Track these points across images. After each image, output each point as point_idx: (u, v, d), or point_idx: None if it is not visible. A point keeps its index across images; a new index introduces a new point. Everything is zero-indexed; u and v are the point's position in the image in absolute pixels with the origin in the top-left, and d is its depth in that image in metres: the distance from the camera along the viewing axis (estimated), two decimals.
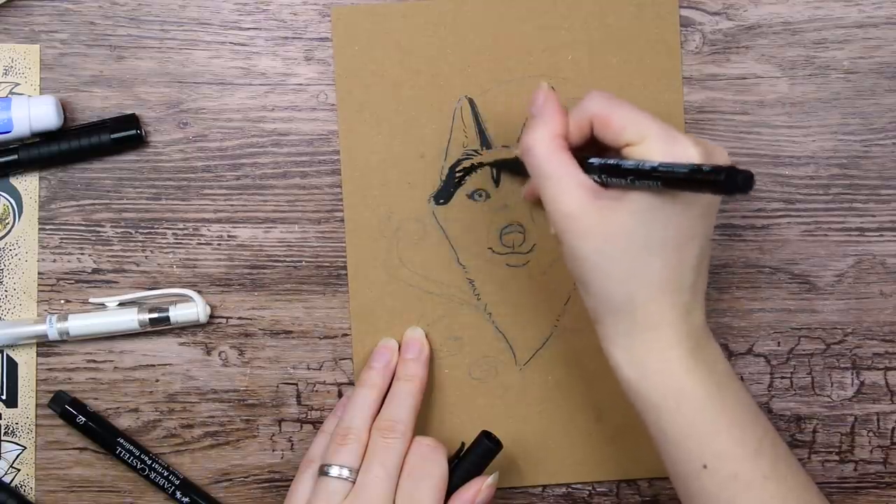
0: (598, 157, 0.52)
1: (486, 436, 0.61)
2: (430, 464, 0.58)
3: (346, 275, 0.65)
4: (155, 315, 0.64)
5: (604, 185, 0.52)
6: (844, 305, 0.66)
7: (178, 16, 0.65)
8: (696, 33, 0.65)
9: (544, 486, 0.66)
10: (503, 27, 0.65)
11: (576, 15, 0.65)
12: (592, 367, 0.65)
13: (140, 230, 0.65)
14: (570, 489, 0.66)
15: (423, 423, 0.64)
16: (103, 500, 0.65)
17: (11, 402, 0.65)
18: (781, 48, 0.65)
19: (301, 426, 0.65)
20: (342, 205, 0.65)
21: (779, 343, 0.66)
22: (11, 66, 0.65)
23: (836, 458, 0.66)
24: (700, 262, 0.52)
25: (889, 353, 0.66)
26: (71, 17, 0.65)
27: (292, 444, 0.65)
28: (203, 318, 0.64)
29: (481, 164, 0.65)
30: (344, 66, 0.65)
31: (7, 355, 0.65)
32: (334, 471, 0.58)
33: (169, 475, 0.64)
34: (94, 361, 0.65)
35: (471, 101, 0.65)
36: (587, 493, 0.66)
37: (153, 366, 0.65)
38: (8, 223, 0.65)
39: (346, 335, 0.65)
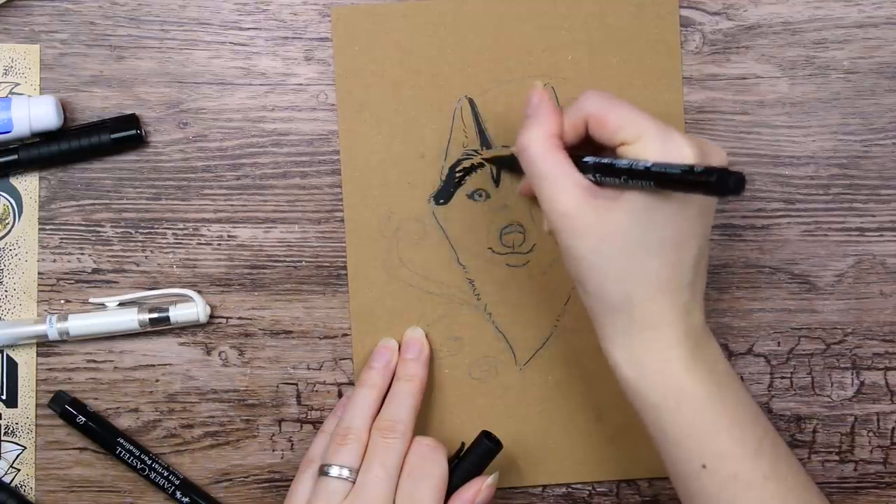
0: (592, 156, 0.52)
1: (486, 436, 0.61)
2: (430, 464, 0.58)
3: (346, 275, 0.65)
4: (155, 315, 0.64)
5: (599, 184, 0.52)
6: (844, 305, 0.66)
7: (178, 16, 0.65)
8: (696, 33, 0.65)
9: (544, 486, 0.66)
10: (503, 27, 0.65)
11: (576, 15, 0.65)
12: (592, 367, 0.65)
13: (140, 230, 0.65)
14: (570, 489, 0.66)
15: (423, 423, 0.64)
16: (103, 500, 0.65)
17: (11, 402, 0.65)
18: (781, 48, 0.65)
19: (301, 426, 0.65)
20: (342, 205, 0.65)
21: (779, 343, 0.66)
22: (11, 66, 0.65)
23: (836, 458, 0.66)
24: (698, 261, 0.52)
25: (889, 353, 0.66)
26: (71, 17, 0.65)
27: (292, 444, 0.65)
28: (203, 318, 0.64)
29: (481, 164, 0.65)
30: (344, 66, 0.65)
31: (7, 355, 0.65)
32: (334, 471, 0.58)
33: (169, 475, 0.64)
34: (94, 361, 0.65)
35: (471, 101, 0.65)
36: (587, 493, 0.66)
37: (153, 366, 0.65)
38: (8, 223, 0.65)
39: (346, 335, 0.65)
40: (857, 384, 0.66)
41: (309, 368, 0.65)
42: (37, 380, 0.65)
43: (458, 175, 0.65)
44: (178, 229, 0.65)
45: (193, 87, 0.65)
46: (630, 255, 0.51)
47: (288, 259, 0.65)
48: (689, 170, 0.47)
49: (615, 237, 0.50)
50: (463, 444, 0.61)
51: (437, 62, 0.65)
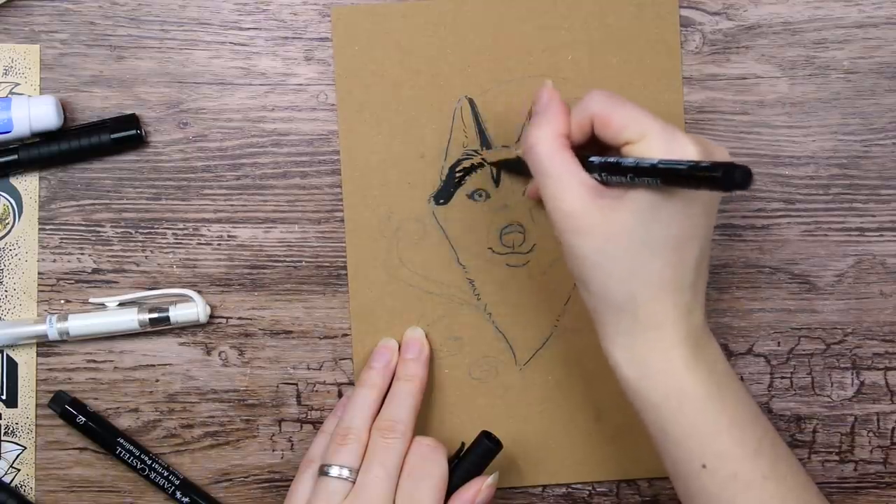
0: (598, 156, 0.52)
1: (486, 436, 0.61)
2: (430, 464, 0.58)
3: (346, 275, 0.65)
4: (155, 315, 0.64)
5: (605, 183, 0.52)
6: (844, 305, 0.66)
7: (178, 16, 0.65)
8: (696, 33, 0.65)
9: (544, 486, 0.66)
10: (503, 27, 0.65)
11: (576, 15, 0.65)
12: (592, 367, 0.65)
13: (140, 230, 0.65)
14: (570, 489, 0.66)
15: (423, 423, 0.64)
16: (103, 500, 0.65)
17: (11, 402, 0.65)
18: (781, 48, 0.65)
19: (301, 426, 0.65)
20: (342, 205, 0.65)
21: (779, 343, 0.66)
22: (11, 66, 0.65)
23: (836, 458, 0.66)
24: (700, 261, 0.52)
25: (889, 353, 0.66)
26: (71, 17, 0.65)
27: (292, 444, 0.65)
28: (203, 318, 0.64)
29: (481, 164, 0.65)
30: (344, 66, 0.65)
31: (7, 355, 0.65)
32: (334, 471, 0.58)
33: (169, 475, 0.64)
34: (94, 361, 0.65)
35: (471, 101, 0.65)
36: (587, 493, 0.66)
37: (153, 366, 0.65)
38: (8, 223, 0.65)
39: (346, 335, 0.65)
40: (857, 384, 0.66)
41: (309, 368, 0.65)
42: (37, 380, 0.65)
43: (458, 175, 0.65)
44: (178, 229, 0.65)
45: (193, 87, 0.65)
46: (634, 255, 0.51)
47: (288, 259, 0.65)
48: (695, 165, 0.47)
49: (620, 237, 0.51)
50: (463, 444, 0.61)
51: (437, 62, 0.65)
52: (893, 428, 0.66)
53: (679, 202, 0.50)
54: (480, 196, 0.65)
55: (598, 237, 0.51)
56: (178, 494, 0.64)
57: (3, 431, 0.65)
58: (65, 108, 0.64)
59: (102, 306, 0.64)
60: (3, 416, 0.65)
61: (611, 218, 0.51)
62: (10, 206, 0.65)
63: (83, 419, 0.63)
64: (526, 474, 0.65)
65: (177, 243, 0.65)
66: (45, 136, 0.64)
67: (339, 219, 0.65)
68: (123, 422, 0.65)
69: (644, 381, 0.53)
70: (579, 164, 0.53)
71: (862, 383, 0.66)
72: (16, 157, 0.63)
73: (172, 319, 0.64)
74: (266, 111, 0.65)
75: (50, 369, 0.65)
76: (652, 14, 0.64)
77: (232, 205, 0.65)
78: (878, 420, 0.66)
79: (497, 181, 0.65)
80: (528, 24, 0.65)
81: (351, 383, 0.65)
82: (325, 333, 0.65)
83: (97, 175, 0.65)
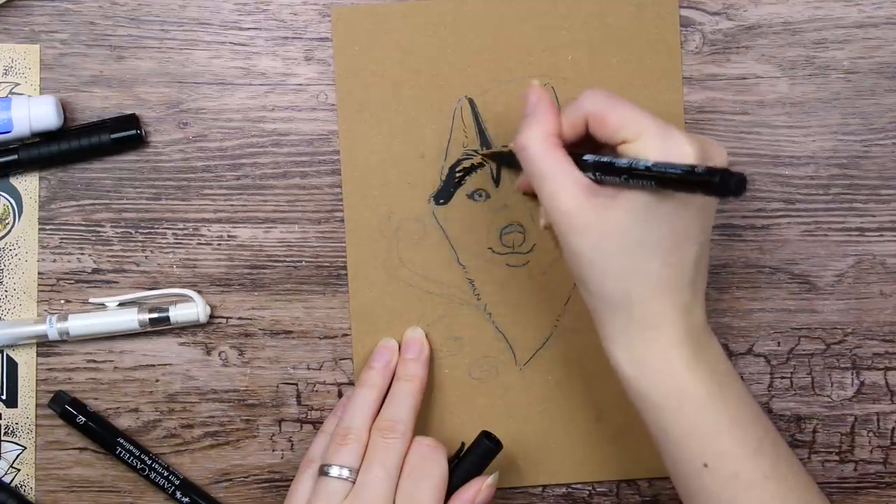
0: (592, 155, 0.52)
1: (486, 436, 0.61)
2: (430, 464, 0.58)
3: (346, 275, 0.65)
4: (155, 315, 0.64)
5: (599, 182, 0.52)
6: (844, 305, 0.66)
7: (178, 16, 0.65)
8: (696, 33, 0.65)
9: (544, 486, 0.66)
10: (503, 27, 0.65)
11: (576, 15, 0.65)
12: (592, 367, 0.65)
13: (140, 230, 0.65)
14: (570, 489, 0.66)
15: (423, 423, 0.64)
16: (103, 500, 0.65)
17: (11, 402, 0.65)
18: (781, 48, 0.65)
19: (301, 426, 0.65)
20: (342, 205, 0.65)
21: (779, 343, 0.66)
22: (11, 66, 0.65)
23: (836, 458, 0.66)
24: (699, 260, 0.52)
25: (889, 353, 0.66)
26: (71, 17, 0.65)
27: (292, 444, 0.65)
28: (203, 318, 0.64)
29: (481, 164, 0.65)
30: (344, 66, 0.65)
31: (7, 355, 0.65)
32: (334, 471, 0.58)
33: (169, 475, 0.64)
34: (94, 361, 0.65)
35: (471, 101, 0.65)
36: (587, 493, 0.66)
37: (153, 366, 0.65)
38: (8, 223, 0.65)
39: (346, 335, 0.65)
40: (857, 384, 0.66)
41: (309, 368, 0.65)
42: (37, 380, 0.65)
43: (458, 175, 0.65)
44: (178, 229, 0.65)
45: (193, 87, 0.65)
46: (630, 254, 0.51)
47: (288, 259, 0.65)
48: (689, 170, 0.46)
49: (615, 235, 0.50)
50: (463, 444, 0.61)
51: (437, 62, 0.65)
52: (893, 428, 0.66)
53: (674, 203, 0.50)
54: (480, 196, 0.65)
55: (593, 235, 0.51)
56: (178, 494, 0.64)
57: (3, 431, 0.65)
58: (65, 108, 0.64)
59: (102, 306, 0.64)
60: (3, 416, 0.65)
61: (605, 216, 0.51)
62: (10, 206, 0.65)
63: (83, 419, 0.63)
64: (526, 474, 0.65)
65: (177, 243, 0.65)
66: (45, 136, 0.64)
67: (339, 219, 0.65)
68: (123, 422, 0.65)
69: (644, 380, 0.53)
70: (572, 163, 0.52)
71: (862, 383, 0.66)
72: (16, 157, 0.63)
73: (172, 319, 0.64)
74: (266, 111, 0.65)
75: (50, 369, 0.65)
76: (652, 14, 0.64)
77: (232, 205, 0.65)
78: (878, 420, 0.66)
79: (497, 181, 0.65)
80: (528, 24, 0.65)
81: (351, 383, 0.65)
82: (325, 333, 0.65)
83: (97, 175, 0.65)
